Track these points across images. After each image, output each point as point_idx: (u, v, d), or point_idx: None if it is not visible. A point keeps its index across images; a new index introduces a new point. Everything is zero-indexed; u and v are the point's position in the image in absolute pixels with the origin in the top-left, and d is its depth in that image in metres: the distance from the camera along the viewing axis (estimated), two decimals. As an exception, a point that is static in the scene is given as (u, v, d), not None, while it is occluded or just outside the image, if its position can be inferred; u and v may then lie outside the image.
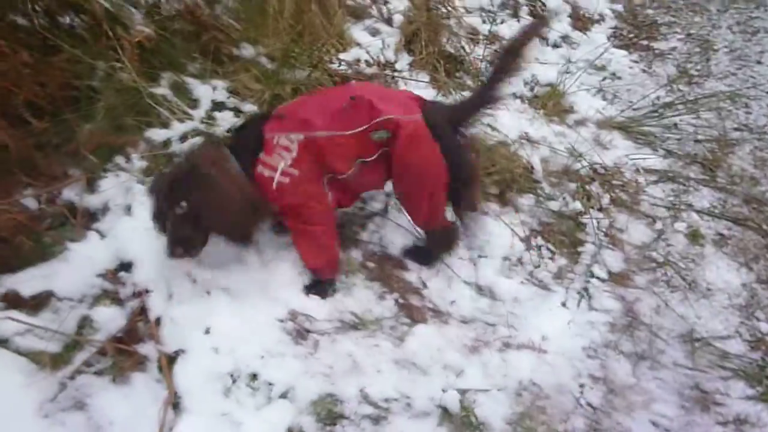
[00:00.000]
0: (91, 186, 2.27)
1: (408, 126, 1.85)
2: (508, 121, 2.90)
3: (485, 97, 1.98)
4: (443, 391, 1.93)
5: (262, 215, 1.94)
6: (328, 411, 1.83)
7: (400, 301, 2.16)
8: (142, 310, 1.96)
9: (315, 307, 2.07)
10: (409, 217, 2.13)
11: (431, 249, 2.27)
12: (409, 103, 1.92)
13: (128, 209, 2.16)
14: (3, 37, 2.27)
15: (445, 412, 1.89)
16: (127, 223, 2.12)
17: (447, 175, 1.93)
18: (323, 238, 2.00)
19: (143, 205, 2.13)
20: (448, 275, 2.28)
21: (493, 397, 1.95)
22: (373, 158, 1.91)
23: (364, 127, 1.85)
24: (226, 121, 2.43)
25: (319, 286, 2.11)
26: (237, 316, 1.95)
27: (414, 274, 2.26)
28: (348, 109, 1.86)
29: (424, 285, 2.24)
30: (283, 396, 1.83)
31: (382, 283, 2.20)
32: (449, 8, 3.42)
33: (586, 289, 2.34)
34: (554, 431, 1.91)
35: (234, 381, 1.82)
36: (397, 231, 2.35)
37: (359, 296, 2.15)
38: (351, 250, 2.27)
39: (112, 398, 1.77)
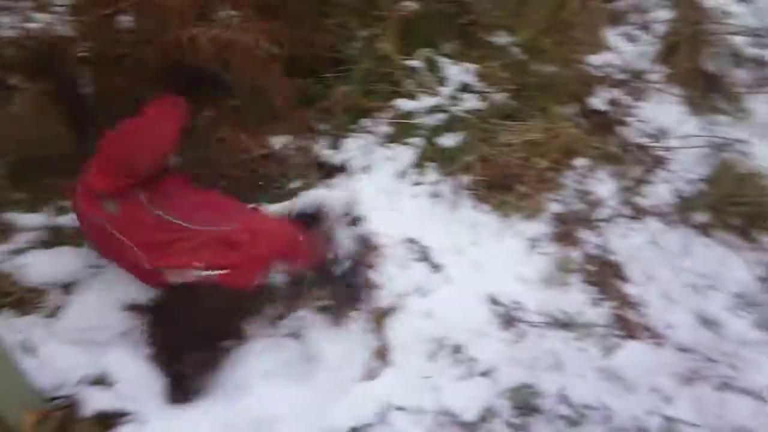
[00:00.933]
0: (335, 143, 2.45)
1: None
2: (766, 150, 2.65)
3: None
4: (648, 413, 1.82)
5: None
6: (526, 401, 1.81)
7: (616, 312, 2.07)
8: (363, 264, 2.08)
9: (528, 298, 2.06)
10: None
11: None
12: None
13: (366, 169, 2.29)
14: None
15: (646, 436, 1.80)
16: (363, 182, 2.24)
17: None
18: None
19: (381, 168, 2.26)
20: (671, 298, 2.14)
21: (703, 434, 1.81)
22: None
23: None
24: (469, 102, 2.47)
25: None
26: (452, 287, 1.99)
27: (636, 287, 2.15)
28: None
29: (645, 302, 2.12)
30: (484, 374, 1.84)
31: (600, 290, 2.12)
32: (717, 25, 3.19)
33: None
34: (765, 488, 1.73)
35: (440, 348, 1.87)
36: (624, 240, 2.26)
37: (574, 297, 2.10)
38: (572, 249, 2.22)
39: (327, 337, 1.90)
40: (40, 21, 2.47)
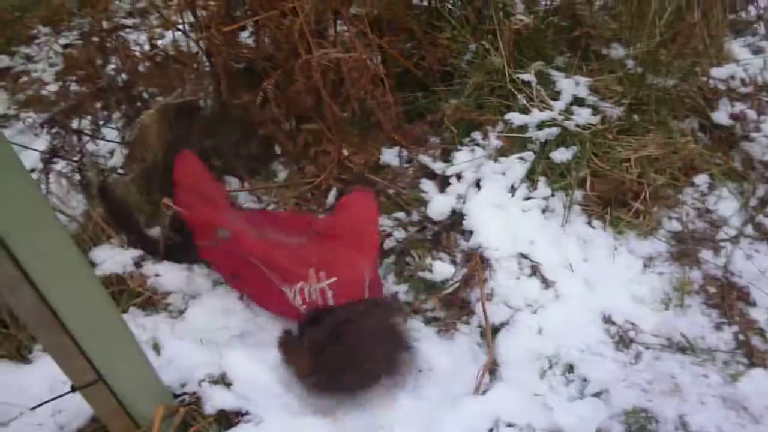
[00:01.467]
0: (446, 156, 2.46)
1: None
2: None
3: None
4: (775, 447, 1.72)
5: None
6: (641, 426, 1.74)
7: (740, 337, 1.97)
8: (472, 277, 2.08)
9: (643, 318, 1.99)
10: None
11: None
12: None
13: (477, 184, 2.29)
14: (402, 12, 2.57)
15: (771, 470, 1.69)
16: (473, 196, 2.24)
17: None
18: None
19: (492, 182, 2.25)
20: (800, 325, 2.01)
21: (834, 473, 1.69)
22: None
23: None
24: (582, 117, 2.43)
25: None
26: (564, 305, 1.96)
27: (762, 312, 2.03)
28: None
29: (772, 328, 2.01)
30: (597, 395, 1.79)
31: (722, 313, 2.02)
32: None
33: None
34: None
35: (551, 366, 1.83)
36: (749, 261, 2.14)
37: (693, 319, 2.00)
38: (692, 269, 2.13)
39: (436, 348, 1.91)
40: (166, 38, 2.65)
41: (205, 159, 2.39)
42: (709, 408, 1.80)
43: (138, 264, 2.09)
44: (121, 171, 2.46)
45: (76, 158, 2.34)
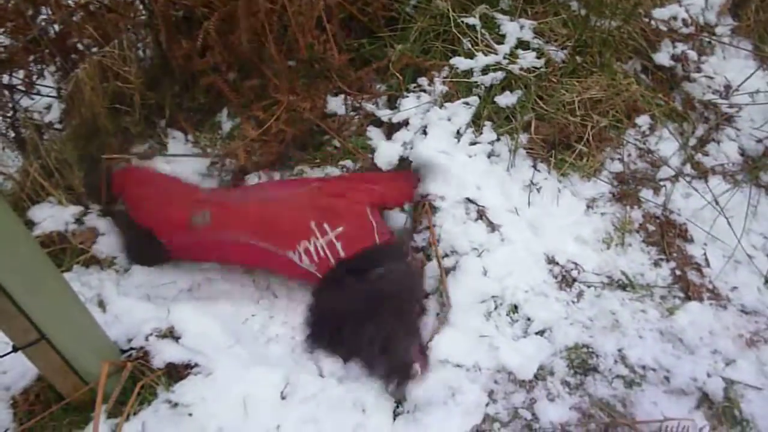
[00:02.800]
0: (392, 103, 2.45)
1: None
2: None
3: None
4: (708, 375, 1.80)
5: None
6: (583, 360, 1.82)
7: (677, 272, 2.04)
8: (421, 224, 2.10)
9: (585, 258, 2.04)
10: None
11: None
12: None
13: (423, 130, 2.28)
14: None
15: (705, 397, 1.77)
16: (420, 143, 2.23)
17: None
18: None
19: (438, 128, 2.25)
20: (735, 260, 2.09)
21: (765, 398, 1.78)
22: None
23: None
24: (527, 61, 2.42)
25: None
26: (510, 247, 1.99)
27: (699, 248, 2.11)
28: None
29: (707, 263, 2.08)
30: (540, 334, 1.85)
31: (660, 250, 2.09)
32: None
33: None
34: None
35: (496, 308, 1.88)
36: (687, 200, 2.21)
37: (633, 257, 2.07)
38: (633, 209, 2.18)
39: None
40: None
41: (147, 114, 2.34)
42: (647, 341, 1.87)
43: (80, 221, 2.05)
44: (58, 126, 2.38)
45: (9, 114, 2.25)
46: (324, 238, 1.83)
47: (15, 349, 1.43)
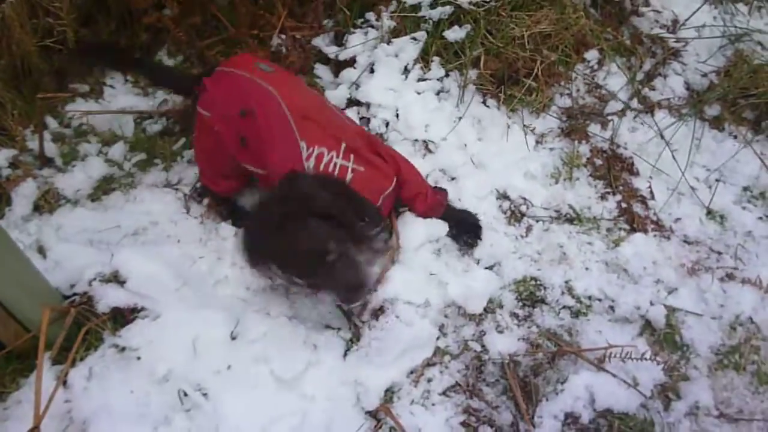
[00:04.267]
0: (339, 39, 2.38)
1: None
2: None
3: None
4: (651, 303, 1.86)
5: None
6: (531, 293, 1.85)
7: (623, 205, 2.07)
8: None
9: (534, 193, 2.06)
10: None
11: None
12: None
13: (371, 68, 2.23)
14: None
15: (648, 325, 1.84)
16: (368, 80, 2.19)
17: None
18: None
19: (385, 66, 2.20)
20: (679, 192, 2.13)
21: (705, 323, 1.85)
22: None
23: None
24: (476, -6, 2.38)
25: None
26: (458, 184, 1.99)
27: (644, 181, 2.14)
28: None
29: (652, 195, 2.12)
30: (489, 268, 1.88)
31: (607, 183, 2.12)
32: None
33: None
34: (764, 375, 1.78)
35: (445, 244, 1.88)
36: (633, 134, 2.23)
37: (580, 191, 2.10)
38: (581, 143, 2.19)
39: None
40: None
41: (82, 52, 2.23)
42: (593, 272, 1.92)
43: (14, 165, 1.96)
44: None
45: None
46: (343, 160, 1.71)
47: (-50, 299, 1.38)
